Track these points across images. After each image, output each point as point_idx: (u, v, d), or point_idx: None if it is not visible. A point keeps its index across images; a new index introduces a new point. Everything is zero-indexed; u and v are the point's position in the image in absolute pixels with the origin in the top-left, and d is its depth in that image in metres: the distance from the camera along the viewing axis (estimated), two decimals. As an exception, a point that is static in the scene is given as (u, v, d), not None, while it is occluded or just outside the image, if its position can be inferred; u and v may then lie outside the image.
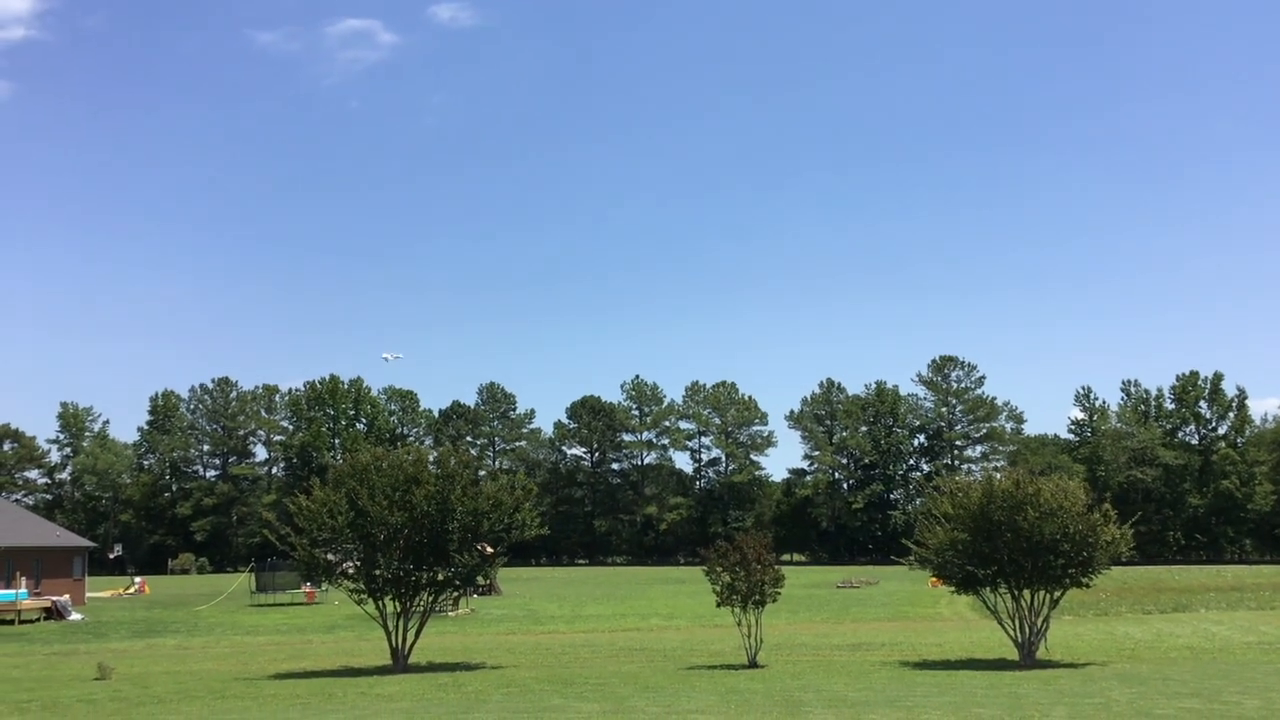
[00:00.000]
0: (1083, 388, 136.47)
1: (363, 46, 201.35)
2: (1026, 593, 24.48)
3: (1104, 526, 23.71)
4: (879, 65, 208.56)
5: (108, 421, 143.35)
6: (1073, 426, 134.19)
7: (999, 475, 25.29)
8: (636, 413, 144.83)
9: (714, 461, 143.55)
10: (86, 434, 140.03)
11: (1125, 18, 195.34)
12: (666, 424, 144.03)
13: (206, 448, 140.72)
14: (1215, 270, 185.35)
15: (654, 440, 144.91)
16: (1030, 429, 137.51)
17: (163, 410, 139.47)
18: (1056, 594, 24.62)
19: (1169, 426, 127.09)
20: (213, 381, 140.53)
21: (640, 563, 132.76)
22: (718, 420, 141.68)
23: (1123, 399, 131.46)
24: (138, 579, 78.49)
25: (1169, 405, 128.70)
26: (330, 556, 25.97)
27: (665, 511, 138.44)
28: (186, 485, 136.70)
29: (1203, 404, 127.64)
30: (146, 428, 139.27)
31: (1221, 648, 28.51)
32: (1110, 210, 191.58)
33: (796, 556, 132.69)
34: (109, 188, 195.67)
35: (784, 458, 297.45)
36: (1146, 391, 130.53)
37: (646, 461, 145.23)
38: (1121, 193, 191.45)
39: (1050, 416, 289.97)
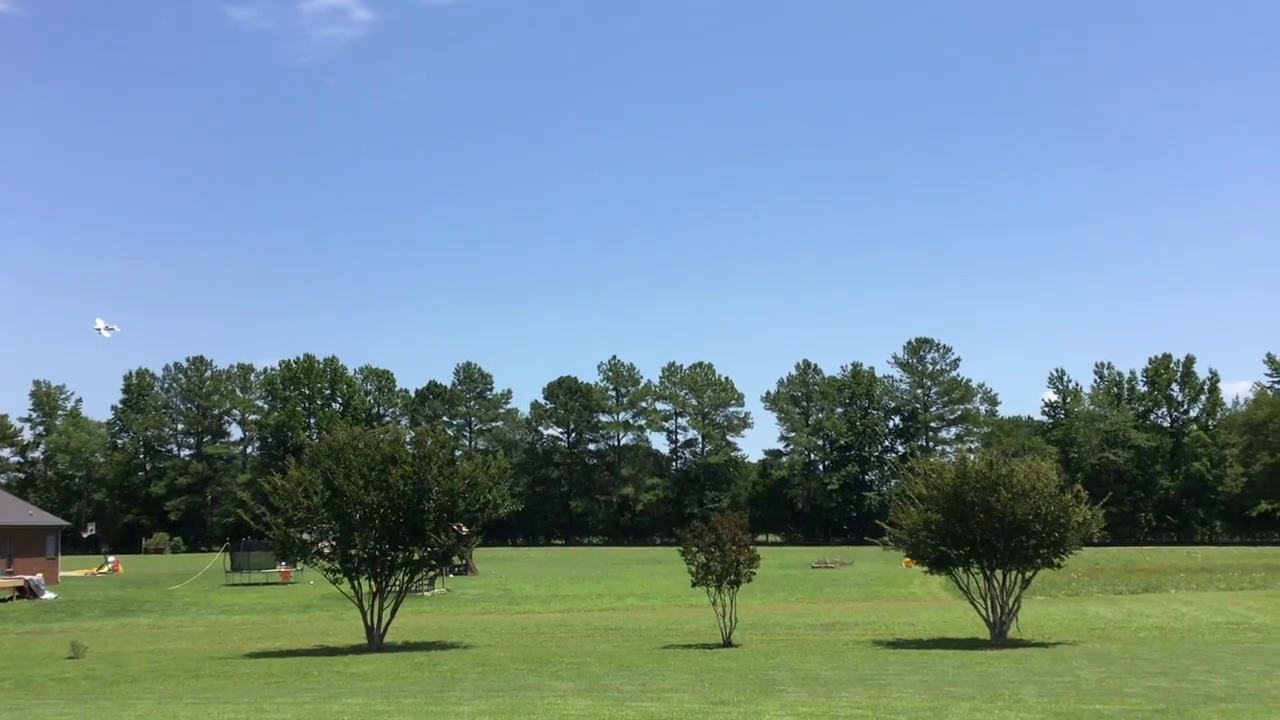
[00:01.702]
0: (1056, 370, 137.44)
1: (338, 23, 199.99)
2: (999, 573, 24.65)
3: (1076, 507, 23.87)
4: (857, 48, 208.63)
5: (80, 400, 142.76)
6: (1046, 408, 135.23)
7: (973, 456, 25.44)
8: (613, 393, 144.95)
9: (690, 442, 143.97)
10: (59, 412, 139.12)
11: (1104, 1, 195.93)
12: (643, 405, 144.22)
13: (181, 427, 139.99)
14: (1189, 254, 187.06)
15: (631, 421, 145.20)
16: (1004, 411, 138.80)
17: (136, 389, 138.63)
18: (1028, 574, 24.81)
19: (1141, 409, 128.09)
20: (187, 360, 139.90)
21: (616, 543, 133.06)
22: (694, 401, 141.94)
23: (1096, 381, 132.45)
24: (111, 558, 78.11)
25: (1141, 388, 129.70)
26: (305, 536, 25.92)
27: (641, 492, 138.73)
28: (160, 464, 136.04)
29: (1175, 387, 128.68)
30: (120, 406, 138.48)
31: (1190, 628, 28.84)
32: (1085, 194, 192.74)
33: (772, 537, 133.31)
34: (80, 164, 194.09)
35: (760, 439, 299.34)
36: (1119, 374, 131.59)
37: (623, 442, 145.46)
38: (1097, 177, 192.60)
39: (1024, 399, 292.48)
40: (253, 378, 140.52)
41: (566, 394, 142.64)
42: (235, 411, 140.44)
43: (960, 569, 25.01)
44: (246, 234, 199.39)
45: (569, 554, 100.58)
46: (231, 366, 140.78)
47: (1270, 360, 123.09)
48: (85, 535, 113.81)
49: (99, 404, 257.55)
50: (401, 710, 13.60)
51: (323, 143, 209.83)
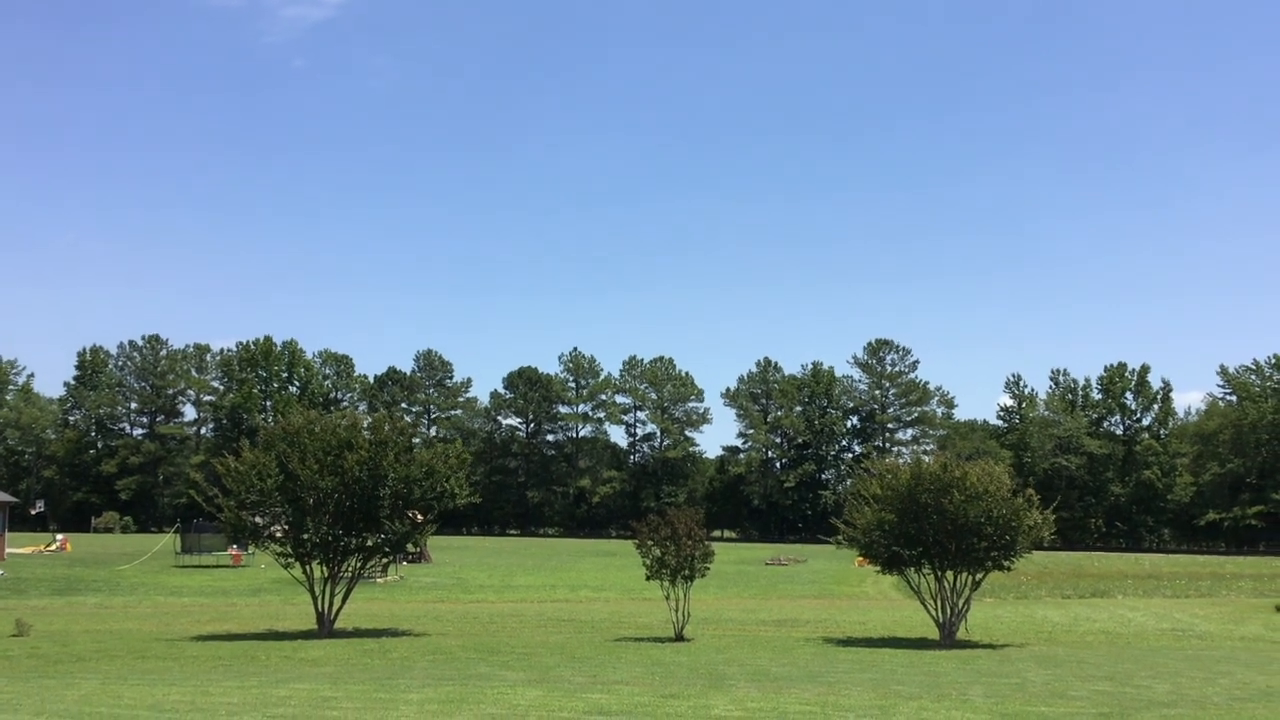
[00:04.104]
0: (1012, 375, 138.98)
1: (306, 4, 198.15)
2: (949, 574, 24.88)
3: (1027, 511, 24.12)
4: (824, 45, 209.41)
5: (32, 375, 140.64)
6: (1001, 413, 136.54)
7: (927, 458, 25.63)
8: (573, 385, 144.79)
9: (649, 436, 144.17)
10: (10, 387, 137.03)
11: (1073, 5, 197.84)
12: (603, 397, 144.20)
13: (134, 405, 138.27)
14: (1146, 264, 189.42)
15: (590, 413, 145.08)
16: (960, 414, 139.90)
17: (90, 366, 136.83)
18: (978, 576, 25.03)
19: (1095, 416, 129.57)
20: (142, 338, 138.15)
21: (572, 535, 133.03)
22: (654, 395, 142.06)
23: (1051, 388, 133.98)
24: (60, 536, 76.97)
25: (1096, 395, 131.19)
26: (258, 519, 25.70)
27: (598, 484, 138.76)
28: (112, 443, 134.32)
29: (1128, 395, 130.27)
30: (73, 383, 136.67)
31: (1136, 633, 29.22)
32: (1046, 201, 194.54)
33: (727, 533, 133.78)
34: (37, 138, 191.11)
35: (718, 435, 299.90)
36: (1074, 381, 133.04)
37: (581, 434, 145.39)
38: (1057, 183, 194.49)
39: (980, 402, 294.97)
40: (209, 358, 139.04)
41: (526, 384, 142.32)
42: (190, 392, 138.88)
43: (912, 569, 25.22)
44: (206, 213, 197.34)
45: (524, 544, 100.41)
46: (187, 346, 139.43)
47: (1223, 371, 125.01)
48: (34, 512, 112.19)
49: (51, 380, 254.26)
50: (349, 697, 13.53)
51: (289, 124, 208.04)
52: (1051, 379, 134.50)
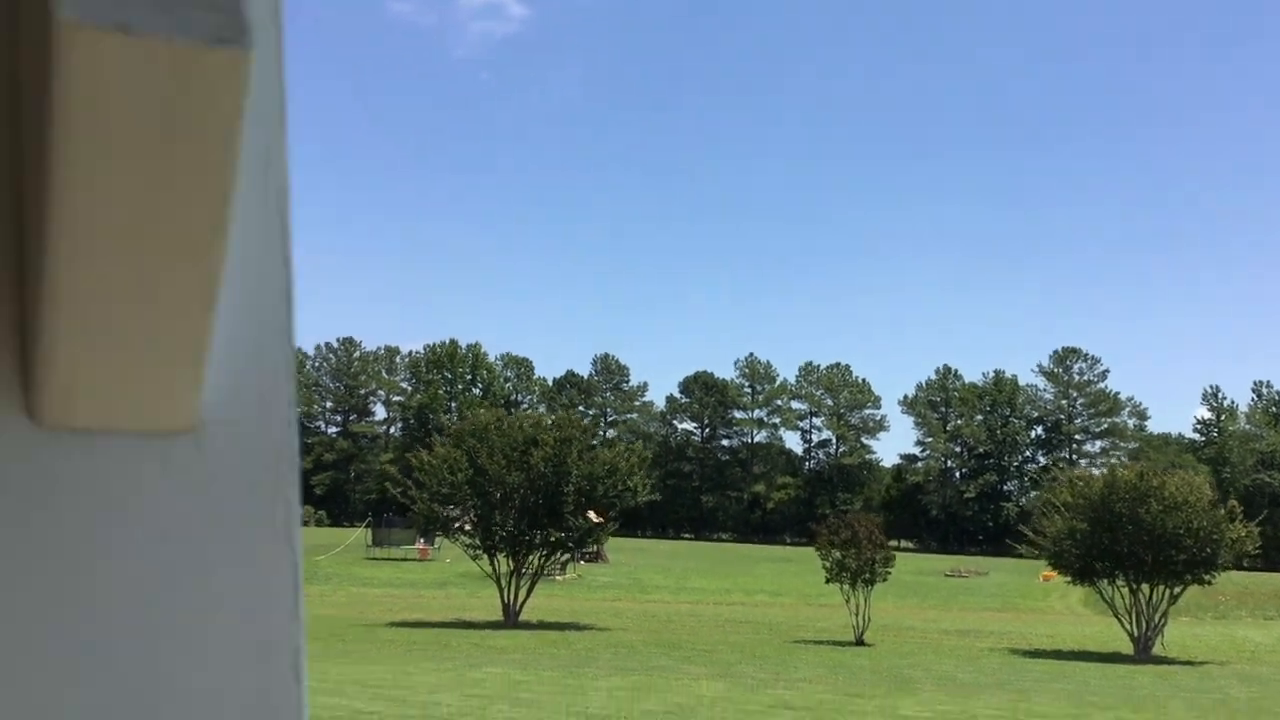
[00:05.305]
0: (1210, 387, 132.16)
1: (494, 18, 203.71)
2: (1145, 587, 24.02)
3: (1229, 524, 23.14)
4: (1019, 45, 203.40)
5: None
6: (1198, 426, 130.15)
7: (1122, 470, 24.86)
8: (749, 390, 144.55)
9: (824, 443, 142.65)
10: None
11: None
12: (778, 403, 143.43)
13: (329, 404, 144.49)
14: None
15: (764, 419, 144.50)
16: (1154, 427, 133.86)
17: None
18: (1176, 590, 24.10)
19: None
20: (337, 340, 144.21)
21: (745, 540, 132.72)
22: (830, 401, 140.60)
23: (1253, 400, 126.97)
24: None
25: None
26: (449, 512, 26.67)
27: (773, 490, 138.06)
28: (308, 440, 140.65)
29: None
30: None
31: (1349, 657, 27.56)
32: (1245, 204, 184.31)
33: (904, 543, 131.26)
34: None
35: (895, 443, 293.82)
36: (1279, 394, 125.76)
37: (756, 439, 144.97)
38: (1256, 187, 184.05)
39: (1175, 415, 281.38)
40: (398, 360, 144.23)
41: (702, 389, 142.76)
42: (380, 392, 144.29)
43: (1105, 581, 24.44)
44: (397, 221, 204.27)
45: (698, 548, 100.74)
46: (379, 348, 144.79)
47: None
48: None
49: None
50: (540, 681, 13.98)
51: (475, 133, 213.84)
52: (1253, 391, 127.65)
